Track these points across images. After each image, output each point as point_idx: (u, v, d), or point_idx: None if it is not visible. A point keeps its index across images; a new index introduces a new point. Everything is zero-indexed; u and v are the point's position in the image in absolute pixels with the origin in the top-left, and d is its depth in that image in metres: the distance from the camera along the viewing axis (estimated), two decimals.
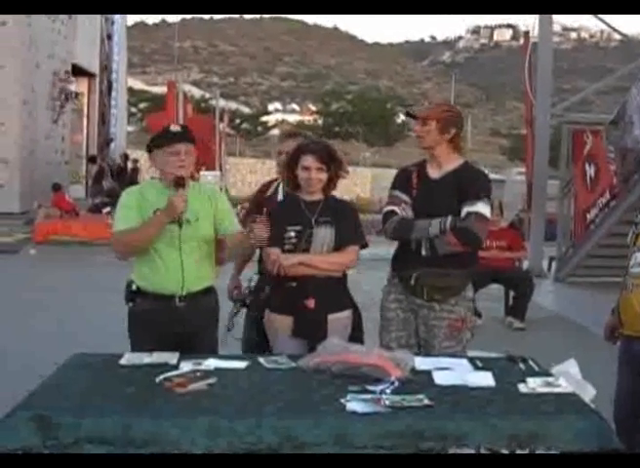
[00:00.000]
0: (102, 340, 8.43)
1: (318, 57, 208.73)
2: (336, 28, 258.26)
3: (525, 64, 17.74)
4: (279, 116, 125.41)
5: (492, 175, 5.46)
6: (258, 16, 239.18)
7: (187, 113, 28.59)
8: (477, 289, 5.25)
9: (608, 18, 16.44)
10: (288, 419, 3.36)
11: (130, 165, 32.78)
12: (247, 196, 9.94)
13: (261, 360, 4.16)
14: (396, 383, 3.72)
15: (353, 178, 46.29)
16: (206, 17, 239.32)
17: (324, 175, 4.88)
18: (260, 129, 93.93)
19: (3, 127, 25.03)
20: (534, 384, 3.81)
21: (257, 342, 5.23)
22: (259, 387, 3.74)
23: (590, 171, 14.37)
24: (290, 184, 5.09)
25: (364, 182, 48.90)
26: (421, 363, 4.10)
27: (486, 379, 3.89)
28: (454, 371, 4.01)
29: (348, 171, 5.15)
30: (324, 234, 4.82)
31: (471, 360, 4.24)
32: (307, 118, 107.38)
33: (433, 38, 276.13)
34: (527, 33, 18.77)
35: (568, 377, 3.91)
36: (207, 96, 77.44)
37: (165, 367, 3.97)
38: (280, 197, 5.55)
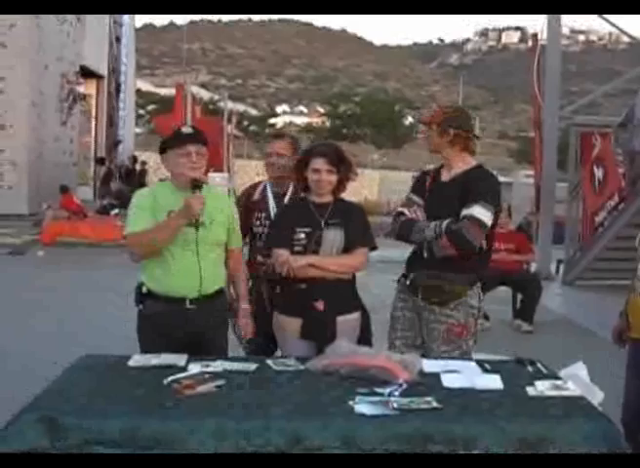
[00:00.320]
0: (103, 341, 8.48)
1: (326, 59, 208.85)
2: (344, 31, 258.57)
3: (533, 67, 17.67)
4: (287, 118, 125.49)
5: (500, 178, 5.41)
6: (266, 18, 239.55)
7: (196, 115, 28.54)
8: (485, 292, 5.20)
9: (616, 20, 16.40)
10: (296, 421, 3.36)
11: (138, 167, 32.78)
12: None
13: (270, 362, 4.16)
14: (404, 386, 3.72)
15: (361, 181, 46.20)
16: (214, 19, 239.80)
17: (334, 178, 4.89)
18: (267, 131, 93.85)
19: (11, 129, 25.05)
20: (542, 387, 3.81)
21: (258, 344, 5.22)
22: (267, 389, 3.74)
23: (599, 173, 14.33)
24: (299, 186, 5.09)
25: (372, 185, 48.81)
26: (430, 365, 4.10)
27: (494, 382, 3.88)
28: (462, 374, 4.01)
29: (357, 173, 5.16)
30: (333, 236, 4.83)
31: (480, 363, 4.24)
32: (315, 120, 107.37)
33: (441, 40, 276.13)
34: (535, 36, 18.68)
35: (576, 380, 3.90)
36: (215, 98, 77.32)
37: (173, 368, 3.97)
38: (271, 198, 5.54)
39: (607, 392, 3.94)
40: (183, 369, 3.98)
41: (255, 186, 5.75)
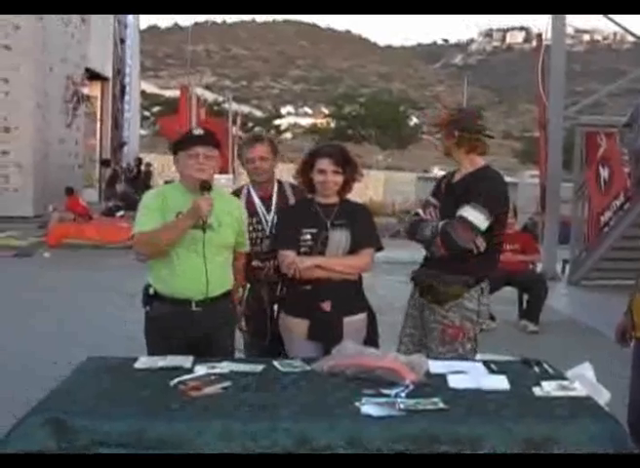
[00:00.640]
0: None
1: (331, 60, 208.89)
2: (348, 32, 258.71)
3: (538, 67, 17.67)
4: (292, 119, 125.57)
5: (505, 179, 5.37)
6: (270, 19, 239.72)
7: (200, 117, 28.62)
8: (491, 292, 5.17)
9: (621, 19, 16.38)
10: (303, 422, 3.36)
11: (143, 168, 32.84)
12: None
13: (276, 363, 4.16)
14: (411, 387, 3.71)
15: (366, 182, 46.13)
16: (219, 20, 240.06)
17: (340, 178, 4.89)
18: (272, 132, 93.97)
19: (17, 131, 25.11)
20: (548, 388, 3.80)
21: (262, 347, 5.22)
22: (273, 390, 3.74)
23: (604, 173, 14.32)
24: (305, 188, 5.10)
25: (377, 185, 48.79)
26: (436, 366, 4.10)
27: (501, 383, 3.88)
28: (468, 375, 4.00)
29: (363, 174, 5.16)
30: (339, 237, 4.83)
31: (486, 363, 4.24)
32: (320, 121, 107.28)
33: (445, 41, 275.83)
34: (539, 36, 18.68)
35: (583, 381, 3.90)
36: (220, 99, 77.50)
37: (180, 370, 3.96)
38: (258, 202, 5.51)
39: (613, 392, 3.94)
40: (190, 370, 3.98)
41: (238, 192, 5.68)
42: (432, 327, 4.94)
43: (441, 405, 3.52)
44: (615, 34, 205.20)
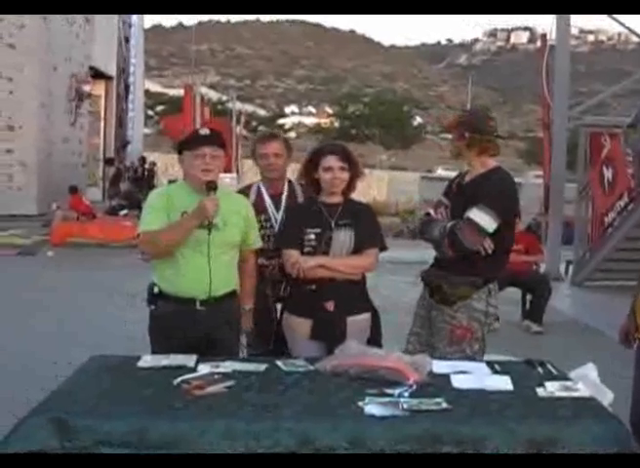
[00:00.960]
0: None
1: (335, 60, 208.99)
2: (352, 31, 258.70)
3: (542, 67, 17.65)
4: (296, 119, 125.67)
5: None
6: (274, 19, 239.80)
7: (204, 116, 28.62)
8: None
9: (626, 20, 16.36)
10: (306, 422, 3.36)
11: (147, 167, 32.83)
12: None
13: (279, 363, 4.15)
14: (414, 387, 3.71)
15: (369, 181, 46.24)
16: (223, 20, 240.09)
17: (346, 175, 4.89)
18: (276, 131, 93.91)
19: (21, 130, 25.13)
20: (552, 388, 3.80)
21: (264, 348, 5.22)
22: (276, 390, 3.74)
23: (608, 174, 14.30)
24: (308, 187, 5.09)
25: (380, 185, 48.80)
26: (440, 366, 4.10)
27: (504, 383, 3.88)
28: (472, 375, 4.00)
29: (364, 172, 5.15)
30: (343, 237, 4.82)
31: (489, 364, 4.24)
32: (324, 121, 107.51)
33: (450, 41, 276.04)
34: (544, 36, 18.66)
35: (586, 381, 3.90)
36: (224, 98, 77.51)
37: (183, 369, 3.97)
38: (268, 200, 5.53)
39: (616, 393, 3.94)
40: (193, 369, 3.98)
41: (247, 188, 5.70)
42: (440, 327, 4.93)
43: (444, 405, 3.52)
44: (619, 35, 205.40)
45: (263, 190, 5.55)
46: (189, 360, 4.11)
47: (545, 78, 17.20)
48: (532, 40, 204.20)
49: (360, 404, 3.51)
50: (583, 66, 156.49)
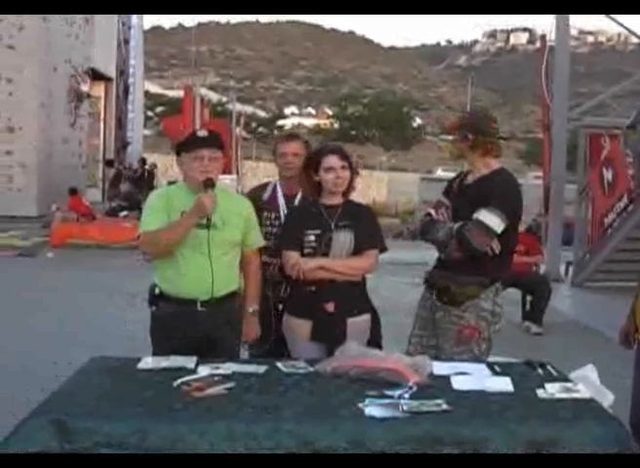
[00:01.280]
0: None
1: (334, 61, 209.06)
2: (352, 33, 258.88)
3: (541, 68, 17.66)
4: (295, 120, 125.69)
5: None
6: (274, 20, 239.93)
7: (204, 117, 28.60)
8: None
9: (625, 20, 16.36)
10: (306, 424, 3.35)
11: (147, 168, 32.81)
12: None
13: (279, 364, 4.15)
14: (414, 388, 3.71)
15: (369, 182, 46.29)
16: (223, 21, 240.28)
17: (348, 174, 4.89)
18: (276, 133, 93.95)
19: (20, 131, 25.14)
20: (552, 390, 3.80)
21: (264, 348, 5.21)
22: (276, 392, 3.74)
23: (608, 175, 14.30)
24: (307, 189, 5.09)
25: (380, 186, 48.87)
26: (440, 368, 4.10)
27: (504, 385, 3.87)
28: (472, 377, 4.00)
29: (359, 172, 5.16)
30: (343, 238, 4.81)
31: (490, 365, 4.24)
32: (324, 122, 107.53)
33: (449, 42, 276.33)
34: (544, 37, 18.67)
35: (586, 383, 3.90)
36: (223, 100, 77.52)
37: (183, 371, 3.96)
38: (281, 199, 5.54)
39: (616, 393, 3.94)
40: (193, 371, 3.98)
41: (264, 186, 5.73)
42: (446, 327, 4.92)
43: (445, 406, 3.52)
44: (619, 35, 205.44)
45: (279, 189, 5.58)
46: (189, 361, 4.11)
47: (545, 79, 17.21)
48: (531, 41, 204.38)
49: (360, 405, 3.51)
50: (583, 67, 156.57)
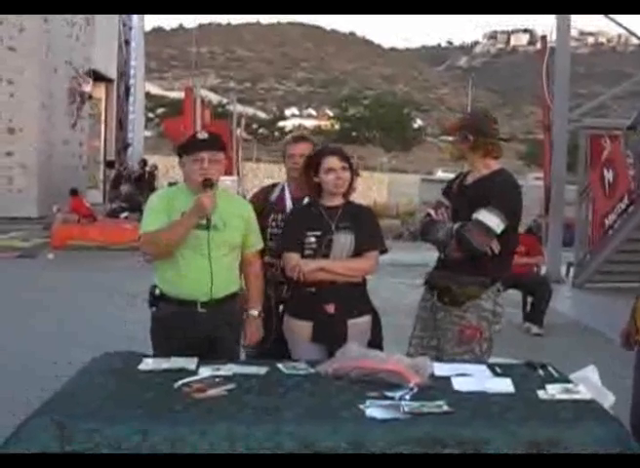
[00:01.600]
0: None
1: (335, 62, 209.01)
2: (352, 34, 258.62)
3: (542, 69, 17.65)
4: (296, 121, 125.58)
5: None
6: (275, 21, 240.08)
7: (205, 119, 28.57)
8: None
9: (625, 21, 16.36)
10: (307, 425, 3.35)
11: (148, 169, 32.79)
12: None
13: (280, 366, 4.15)
14: (415, 389, 3.71)
15: (370, 183, 46.30)
16: (223, 22, 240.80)
17: (348, 175, 4.90)
18: (276, 134, 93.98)
19: (21, 132, 25.14)
20: (553, 391, 3.80)
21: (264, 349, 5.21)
22: (277, 393, 3.74)
23: (609, 176, 14.29)
24: (308, 190, 5.09)
25: (380, 187, 48.87)
26: (441, 369, 4.10)
27: (505, 386, 3.87)
28: (473, 378, 4.00)
29: (360, 173, 5.18)
30: (344, 240, 4.81)
31: (490, 366, 4.23)
32: (324, 123, 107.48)
33: (450, 43, 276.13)
34: (544, 38, 18.67)
35: (587, 384, 3.89)
36: (224, 101, 77.58)
37: (184, 372, 3.96)
38: (289, 200, 5.54)
39: (617, 394, 3.94)
40: (194, 372, 3.98)
41: (272, 187, 5.75)
42: (447, 328, 4.93)
43: (445, 407, 3.52)
44: (619, 36, 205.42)
45: (287, 190, 5.59)
46: (190, 363, 4.11)
47: (545, 80, 17.20)
48: (532, 42, 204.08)
49: (361, 406, 3.51)
50: (583, 68, 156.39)
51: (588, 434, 3.38)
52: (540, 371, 4.16)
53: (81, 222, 20.36)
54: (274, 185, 5.76)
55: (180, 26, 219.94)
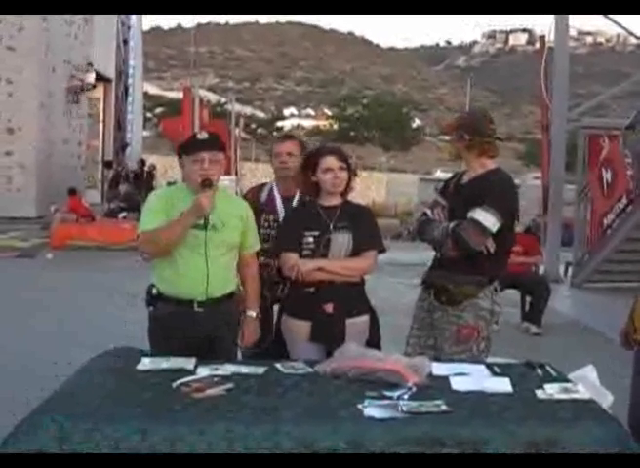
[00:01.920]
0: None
1: (334, 62, 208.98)
2: (351, 33, 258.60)
3: (541, 69, 17.67)
4: (294, 121, 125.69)
5: None
6: (273, 21, 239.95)
7: (203, 118, 28.57)
8: None
9: (624, 21, 16.37)
10: (305, 425, 3.35)
11: (146, 169, 32.79)
12: None
13: (279, 365, 4.15)
14: (413, 389, 3.71)
15: (368, 183, 46.33)
16: (222, 21, 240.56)
17: (346, 174, 4.90)
18: (275, 134, 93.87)
19: (20, 131, 25.12)
20: (551, 390, 3.80)
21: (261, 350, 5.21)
22: (276, 393, 3.74)
23: (607, 176, 14.29)
24: (305, 190, 5.09)
25: (379, 187, 48.89)
26: (439, 368, 4.10)
27: (504, 385, 3.87)
28: (471, 377, 4.00)
29: (358, 173, 5.17)
30: (342, 239, 4.81)
31: (489, 366, 4.23)
32: (323, 123, 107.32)
33: (448, 43, 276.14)
34: (543, 37, 18.71)
35: (586, 383, 3.90)
36: (222, 100, 77.54)
37: (182, 372, 3.96)
38: (279, 200, 5.55)
39: (616, 394, 3.94)
40: (192, 372, 3.98)
41: (260, 188, 5.75)
42: (445, 327, 4.93)
43: (444, 407, 3.52)
44: (618, 36, 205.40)
45: (276, 190, 5.59)
46: (189, 362, 4.11)
47: (544, 80, 17.24)
48: (530, 42, 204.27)
49: (360, 406, 3.51)
50: (582, 68, 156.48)
51: (587, 434, 3.38)
52: (539, 371, 4.16)
53: (80, 222, 20.33)
54: (263, 185, 5.76)
55: (179, 26, 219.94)
